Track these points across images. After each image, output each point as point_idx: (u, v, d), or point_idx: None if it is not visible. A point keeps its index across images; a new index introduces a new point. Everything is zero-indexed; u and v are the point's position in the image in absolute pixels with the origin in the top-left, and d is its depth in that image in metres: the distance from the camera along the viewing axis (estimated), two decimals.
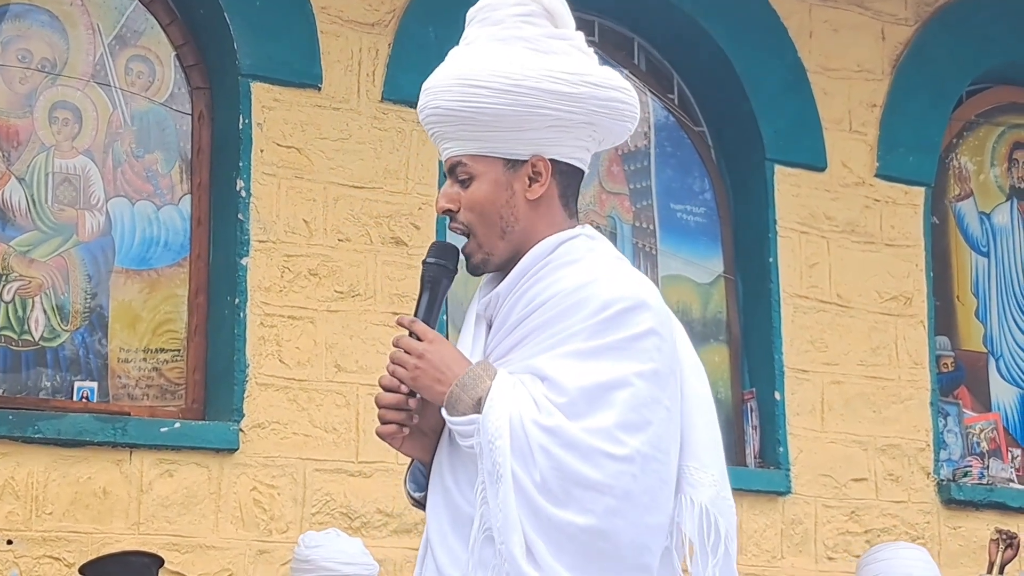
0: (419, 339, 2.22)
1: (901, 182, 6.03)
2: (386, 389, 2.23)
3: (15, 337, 4.77)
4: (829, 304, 5.83)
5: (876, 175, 5.99)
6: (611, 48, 5.85)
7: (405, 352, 2.22)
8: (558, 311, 2.19)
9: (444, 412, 2.20)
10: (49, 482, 4.54)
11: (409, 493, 2.33)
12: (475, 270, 2.30)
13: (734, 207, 5.92)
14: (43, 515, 4.52)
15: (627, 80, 2.34)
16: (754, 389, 5.74)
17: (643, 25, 5.86)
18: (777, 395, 5.67)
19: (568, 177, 2.30)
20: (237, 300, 4.85)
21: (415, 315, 2.26)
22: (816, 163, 5.89)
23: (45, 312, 4.82)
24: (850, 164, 5.96)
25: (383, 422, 2.24)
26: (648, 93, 5.88)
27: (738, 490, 5.48)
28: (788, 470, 5.62)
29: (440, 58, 5.48)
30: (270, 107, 5.00)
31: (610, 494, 2.09)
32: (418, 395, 2.23)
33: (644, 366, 2.14)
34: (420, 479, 2.32)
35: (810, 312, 5.79)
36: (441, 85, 2.27)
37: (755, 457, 5.69)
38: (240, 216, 4.90)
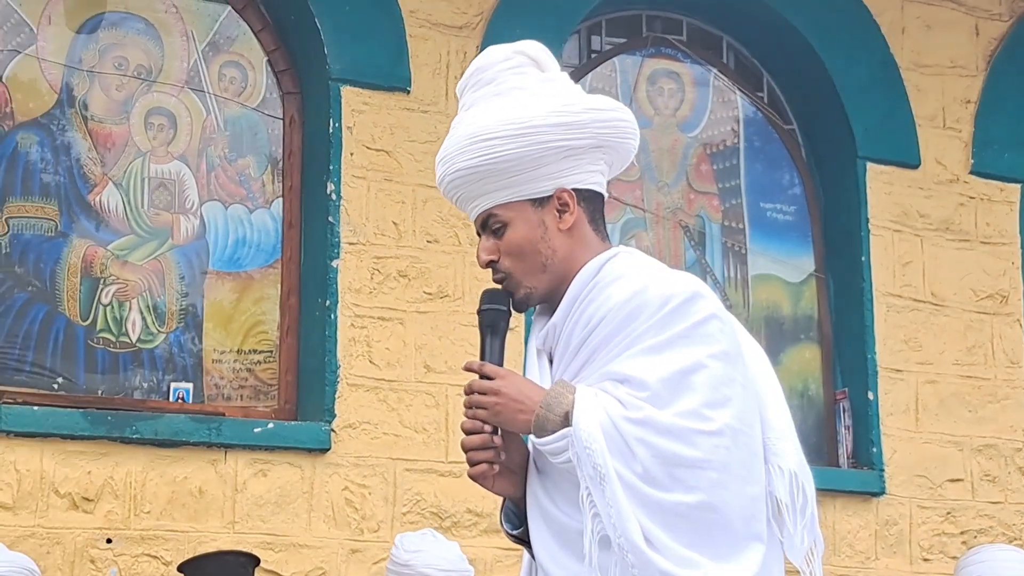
0: (491, 379, 2.31)
1: (996, 179, 5.95)
2: (469, 432, 2.32)
3: (113, 339, 4.87)
4: (923, 303, 5.77)
5: (971, 172, 5.92)
6: (699, 47, 5.84)
7: (480, 394, 2.30)
8: (618, 320, 2.29)
9: (533, 437, 2.28)
10: (147, 481, 4.63)
11: (508, 532, 2.40)
12: (519, 306, 2.40)
13: (825, 205, 5.87)
14: (141, 514, 4.61)
15: (620, 101, 2.49)
16: (846, 389, 5.69)
17: (732, 23, 5.84)
18: (870, 395, 5.62)
19: (591, 202, 2.41)
20: (328, 302, 4.91)
21: (481, 359, 2.35)
22: (909, 160, 5.83)
23: (141, 314, 4.91)
24: (944, 161, 5.89)
25: (473, 464, 2.32)
26: (737, 91, 5.86)
27: (831, 490, 5.52)
28: (882, 471, 5.57)
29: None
30: (359, 111, 5.05)
31: (711, 468, 2.19)
32: (501, 431, 2.32)
33: (714, 348, 2.25)
34: (513, 518, 2.40)
35: (904, 311, 5.73)
36: (455, 149, 2.39)
37: (848, 457, 5.64)
38: (330, 219, 4.96)
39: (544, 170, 2.35)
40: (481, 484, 2.33)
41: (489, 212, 2.38)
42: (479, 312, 2.39)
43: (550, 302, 2.39)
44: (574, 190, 2.37)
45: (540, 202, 2.36)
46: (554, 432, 2.24)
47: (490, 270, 2.42)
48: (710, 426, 2.20)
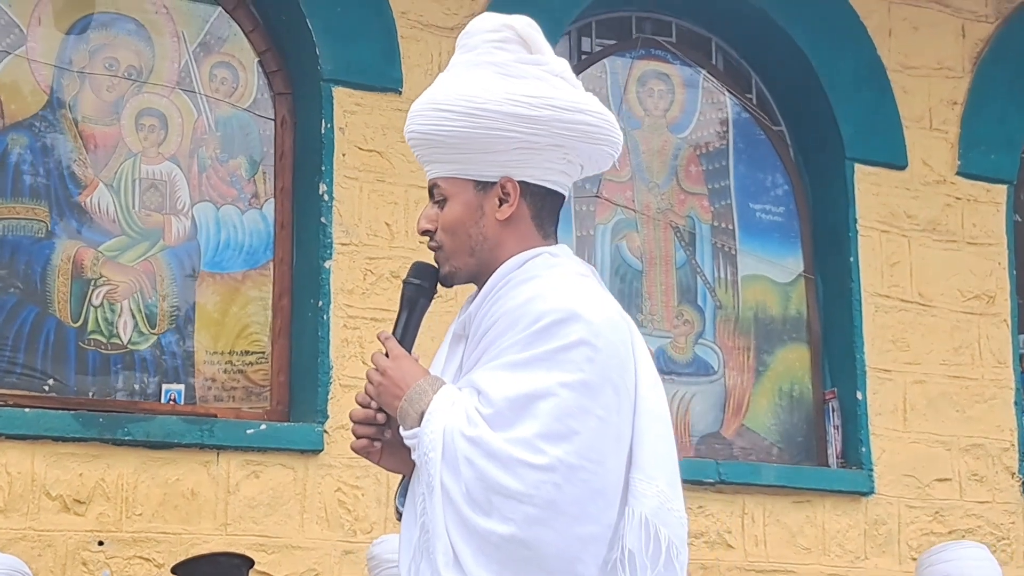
0: (387, 356, 2.31)
1: (983, 180, 5.99)
2: (361, 405, 2.32)
3: (104, 340, 4.85)
4: (911, 303, 5.80)
5: (957, 173, 5.95)
6: (689, 49, 5.85)
7: (374, 368, 2.30)
8: (503, 326, 2.24)
9: (400, 427, 2.27)
10: (139, 483, 4.61)
11: (397, 508, 2.37)
12: (444, 281, 2.38)
13: (814, 206, 5.90)
14: (133, 516, 4.59)
15: (604, 106, 2.39)
16: (835, 389, 5.71)
17: (721, 25, 5.85)
18: (859, 395, 5.64)
19: (541, 199, 2.35)
20: (320, 303, 4.90)
21: (393, 332, 2.35)
22: (896, 161, 5.86)
23: (133, 316, 4.90)
24: (931, 162, 5.92)
25: (356, 437, 2.32)
26: (726, 93, 5.88)
27: (820, 490, 5.53)
28: (871, 470, 5.59)
29: None
30: (351, 111, 5.05)
31: (530, 503, 2.11)
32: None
33: (571, 376, 2.16)
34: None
35: (891, 311, 5.76)
36: (416, 110, 2.37)
37: (837, 457, 5.66)
38: (323, 220, 4.95)
39: (493, 156, 2.30)
40: (365, 458, 2.34)
41: (435, 181, 2.36)
42: (404, 282, 2.38)
43: (474, 283, 2.36)
44: (523, 183, 2.32)
45: (484, 186, 2.32)
46: (411, 428, 2.23)
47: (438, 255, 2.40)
48: (540, 460, 2.12)
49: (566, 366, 2.16)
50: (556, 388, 2.15)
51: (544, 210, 2.35)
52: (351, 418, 2.32)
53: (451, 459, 2.16)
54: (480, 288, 2.33)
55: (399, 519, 2.34)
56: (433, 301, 2.41)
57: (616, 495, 2.18)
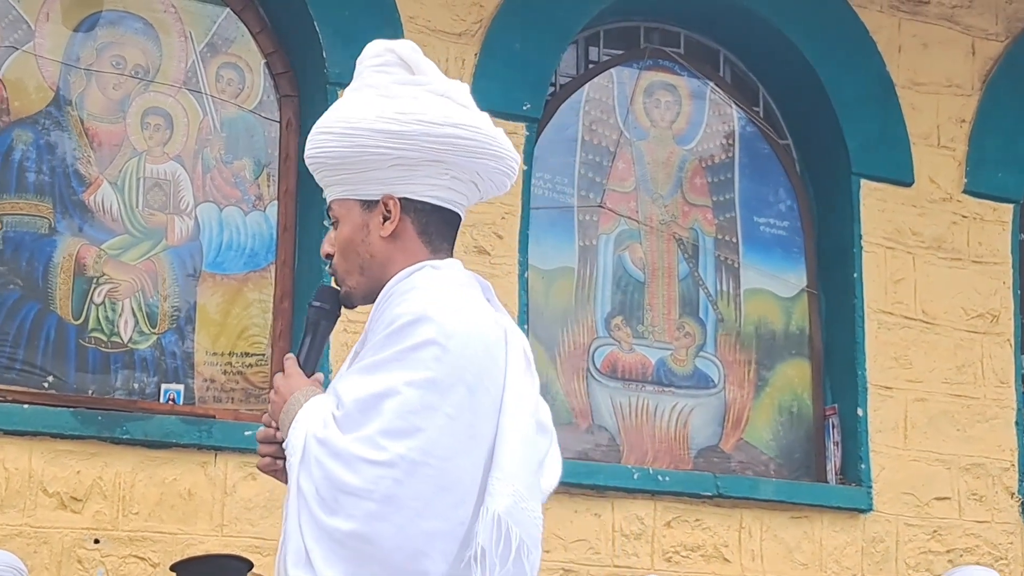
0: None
1: (989, 198, 5.97)
2: (264, 425, 2.38)
3: (105, 339, 4.84)
4: (914, 320, 5.78)
5: (964, 191, 5.94)
6: (697, 60, 5.85)
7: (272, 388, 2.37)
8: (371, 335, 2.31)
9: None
10: (136, 483, 4.60)
11: None
12: (344, 302, 2.44)
13: (818, 221, 5.88)
14: (129, 515, 4.59)
15: (492, 125, 2.41)
16: (836, 405, 5.70)
17: (729, 38, 5.85)
18: (860, 411, 5.62)
19: (427, 215, 2.39)
20: None
21: (297, 353, 2.39)
22: (903, 178, 5.85)
23: (134, 314, 4.89)
24: (937, 180, 5.91)
25: (261, 456, 2.38)
26: (733, 105, 5.87)
27: (818, 506, 5.51)
28: (870, 487, 5.57)
29: (526, 67, 5.48)
30: None
31: (369, 499, 2.16)
32: None
33: (417, 375, 2.21)
34: None
35: (894, 328, 5.74)
36: (309, 136, 2.45)
37: (836, 474, 5.64)
38: (325, 223, 4.93)
39: (372, 174, 2.36)
40: (270, 476, 2.38)
41: (329, 204, 2.42)
42: (308, 305, 2.45)
43: (370, 303, 2.41)
44: (406, 199, 2.37)
45: (368, 204, 2.37)
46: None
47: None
48: (380, 456, 2.17)
49: (414, 365, 2.21)
50: (400, 387, 2.20)
51: (431, 226, 2.39)
52: (256, 438, 2.39)
53: (306, 462, 2.22)
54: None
55: None
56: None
57: (469, 493, 2.22)
